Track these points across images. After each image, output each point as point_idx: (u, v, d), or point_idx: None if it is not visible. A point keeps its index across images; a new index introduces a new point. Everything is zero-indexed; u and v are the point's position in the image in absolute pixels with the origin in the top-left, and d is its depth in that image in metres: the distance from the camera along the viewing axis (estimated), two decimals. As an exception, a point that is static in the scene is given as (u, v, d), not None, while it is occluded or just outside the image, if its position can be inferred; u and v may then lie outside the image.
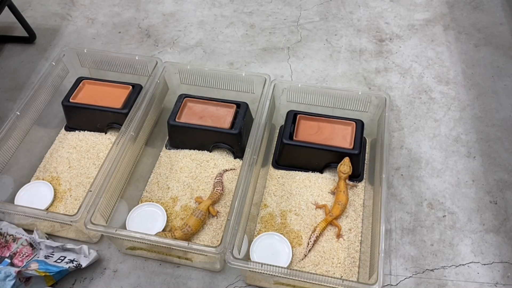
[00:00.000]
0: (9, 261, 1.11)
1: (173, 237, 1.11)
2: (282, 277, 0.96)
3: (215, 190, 1.24)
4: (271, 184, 1.29)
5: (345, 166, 1.23)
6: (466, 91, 1.56)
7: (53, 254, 1.12)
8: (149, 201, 1.25)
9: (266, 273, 0.96)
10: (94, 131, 1.43)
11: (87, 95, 1.40)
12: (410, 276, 1.13)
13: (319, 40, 1.77)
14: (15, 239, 1.14)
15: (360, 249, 1.15)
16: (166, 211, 1.22)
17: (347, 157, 1.24)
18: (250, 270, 0.98)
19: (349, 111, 1.34)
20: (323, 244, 1.16)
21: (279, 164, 1.33)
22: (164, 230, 1.18)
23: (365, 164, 1.33)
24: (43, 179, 1.31)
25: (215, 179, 1.27)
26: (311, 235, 1.16)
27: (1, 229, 1.17)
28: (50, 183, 1.29)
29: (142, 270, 1.15)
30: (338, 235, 1.18)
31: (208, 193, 1.27)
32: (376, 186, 1.14)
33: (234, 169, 1.31)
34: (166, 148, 1.39)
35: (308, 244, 1.15)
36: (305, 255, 1.14)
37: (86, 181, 1.30)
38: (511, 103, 1.51)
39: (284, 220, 1.21)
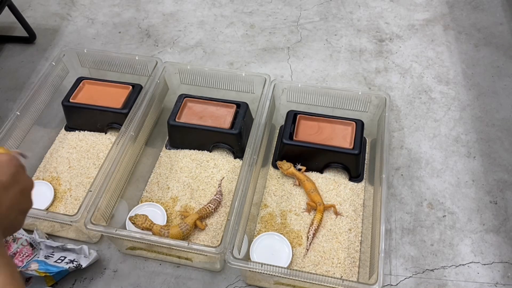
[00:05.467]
0: (9, 261, 1.11)
1: (150, 226, 1.11)
2: (282, 277, 0.96)
3: (208, 205, 1.20)
4: (271, 184, 1.29)
5: (282, 166, 1.27)
6: (466, 91, 1.56)
7: (53, 254, 1.12)
8: (149, 201, 1.26)
9: (266, 273, 0.96)
10: (94, 131, 1.43)
11: (87, 95, 1.40)
12: (410, 276, 1.13)
13: (319, 40, 1.77)
14: (15, 239, 1.14)
15: (360, 249, 1.15)
16: (166, 211, 1.22)
17: (278, 161, 1.29)
18: (250, 270, 0.98)
19: (349, 111, 1.34)
20: (323, 244, 1.16)
21: (279, 164, 1.33)
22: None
23: (365, 164, 1.33)
24: (43, 179, 1.31)
25: (215, 195, 1.24)
26: (309, 228, 1.17)
27: (1, 229, 1.17)
28: (50, 183, 1.29)
29: (142, 270, 1.15)
30: (336, 213, 1.21)
31: (208, 193, 1.27)
32: (376, 186, 1.14)
33: (223, 177, 1.30)
34: (166, 148, 1.39)
35: (308, 238, 1.15)
36: (307, 249, 1.14)
37: (86, 181, 1.30)
38: (511, 103, 1.51)
39: (284, 220, 1.21)
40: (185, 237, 1.14)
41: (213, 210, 1.20)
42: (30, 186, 0.59)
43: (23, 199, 0.57)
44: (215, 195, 1.24)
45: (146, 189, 1.29)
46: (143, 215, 1.13)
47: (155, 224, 1.12)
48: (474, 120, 1.47)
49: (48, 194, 1.26)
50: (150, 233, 1.12)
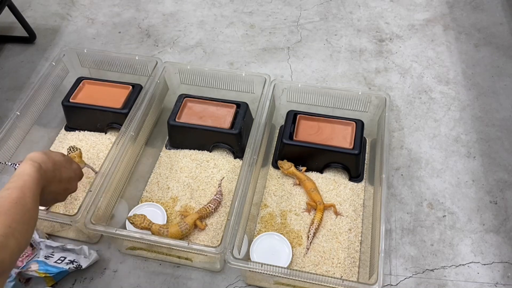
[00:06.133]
0: (9, 261, 1.11)
1: (149, 225, 1.11)
2: (282, 277, 0.96)
3: (208, 205, 1.20)
4: (271, 184, 1.29)
5: (283, 165, 1.27)
6: (466, 91, 1.56)
7: (53, 255, 1.12)
8: (149, 201, 1.26)
9: (266, 273, 0.96)
10: (94, 131, 1.43)
11: (87, 95, 1.40)
12: (410, 276, 1.13)
13: (319, 40, 1.77)
14: (15, 239, 1.14)
15: (360, 249, 1.15)
16: (166, 211, 1.22)
17: (278, 161, 1.29)
18: (250, 270, 0.98)
19: (349, 111, 1.34)
20: (323, 244, 1.16)
21: (279, 164, 1.33)
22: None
23: (365, 164, 1.33)
24: (43, 179, 1.30)
25: (215, 195, 1.24)
26: (310, 228, 1.17)
27: (1, 229, 1.17)
28: (50, 183, 1.28)
29: (142, 270, 1.15)
30: (336, 213, 1.21)
31: (208, 193, 1.27)
32: (376, 186, 1.14)
33: (223, 177, 1.31)
34: (166, 148, 1.39)
35: (308, 237, 1.15)
36: (307, 248, 1.15)
37: (86, 181, 1.29)
38: (511, 103, 1.51)
39: (284, 220, 1.21)
40: (184, 236, 1.14)
41: (213, 210, 1.20)
42: (73, 190, 0.88)
43: (63, 194, 0.85)
44: (215, 195, 1.24)
45: (146, 189, 1.29)
46: (141, 215, 1.13)
47: (153, 223, 1.12)
48: (474, 120, 1.47)
49: (48, 194, 1.26)
50: (150, 233, 1.12)
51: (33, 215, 0.69)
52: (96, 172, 1.10)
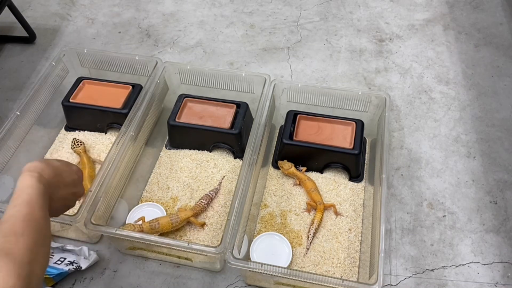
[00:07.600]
0: (9, 261, 1.11)
1: (140, 228, 1.11)
2: (282, 277, 0.96)
3: (200, 202, 1.21)
4: (271, 184, 1.29)
5: (283, 166, 1.27)
6: (466, 91, 1.56)
7: (53, 255, 1.12)
8: (149, 201, 1.26)
9: (266, 273, 0.96)
10: (94, 131, 1.43)
11: (87, 95, 1.40)
12: (410, 276, 1.13)
13: (319, 40, 1.77)
14: (15, 239, 1.14)
15: (360, 249, 1.15)
16: (166, 211, 1.22)
17: (278, 161, 1.29)
18: (250, 270, 0.98)
19: (349, 111, 1.34)
20: (323, 244, 1.16)
21: (279, 164, 1.33)
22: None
23: (365, 164, 1.33)
24: (43, 179, 1.30)
25: (210, 191, 1.24)
26: (310, 228, 1.17)
27: (1, 229, 1.16)
28: (50, 183, 1.28)
29: (142, 270, 1.15)
30: (336, 213, 1.21)
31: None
32: (376, 186, 1.14)
33: (224, 176, 1.31)
34: (166, 148, 1.39)
35: (308, 237, 1.15)
36: (307, 248, 1.15)
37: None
38: (511, 103, 1.51)
39: (284, 220, 1.21)
40: (174, 228, 1.15)
41: (205, 206, 1.20)
42: (81, 193, 0.82)
43: (71, 198, 0.79)
44: (209, 191, 1.24)
45: (146, 189, 1.29)
46: (128, 224, 1.13)
47: (142, 225, 1.12)
48: (474, 120, 1.47)
49: (48, 194, 1.26)
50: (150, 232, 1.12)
51: (47, 232, 0.64)
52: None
